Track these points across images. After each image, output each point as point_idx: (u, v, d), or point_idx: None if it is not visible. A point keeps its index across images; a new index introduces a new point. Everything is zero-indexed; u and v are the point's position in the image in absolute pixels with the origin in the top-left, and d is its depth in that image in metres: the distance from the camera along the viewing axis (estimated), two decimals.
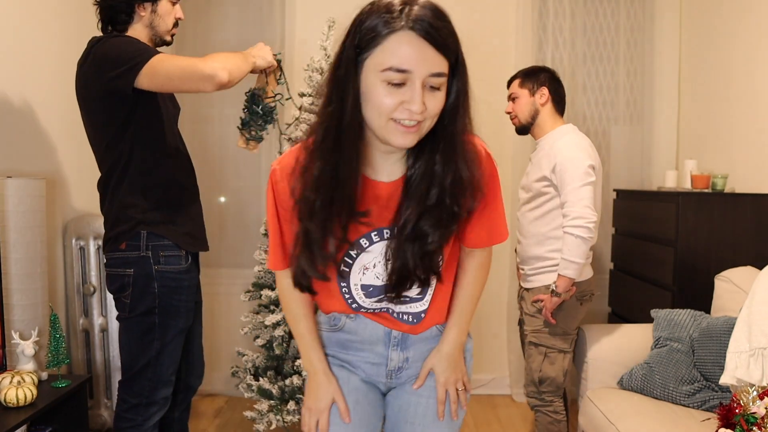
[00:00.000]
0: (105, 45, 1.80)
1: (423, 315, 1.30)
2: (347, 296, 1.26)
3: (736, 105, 2.97)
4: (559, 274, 2.34)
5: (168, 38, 1.99)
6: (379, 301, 1.25)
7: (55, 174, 2.55)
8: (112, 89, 1.78)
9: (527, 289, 2.55)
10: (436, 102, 1.03)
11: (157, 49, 1.96)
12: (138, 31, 1.93)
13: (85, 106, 1.90)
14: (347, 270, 1.21)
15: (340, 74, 1.04)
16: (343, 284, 1.23)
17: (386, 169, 1.16)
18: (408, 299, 1.26)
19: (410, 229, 1.12)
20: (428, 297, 1.28)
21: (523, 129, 2.57)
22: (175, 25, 2.00)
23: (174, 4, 1.98)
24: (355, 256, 1.20)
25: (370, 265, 1.20)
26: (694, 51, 3.39)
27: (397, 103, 1.00)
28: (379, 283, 1.22)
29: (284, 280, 1.27)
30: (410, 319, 1.29)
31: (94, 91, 1.83)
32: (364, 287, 1.23)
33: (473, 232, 1.24)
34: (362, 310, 1.27)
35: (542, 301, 2.43)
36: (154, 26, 1.94)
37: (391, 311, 1.27)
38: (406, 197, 1.13)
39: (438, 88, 1.02)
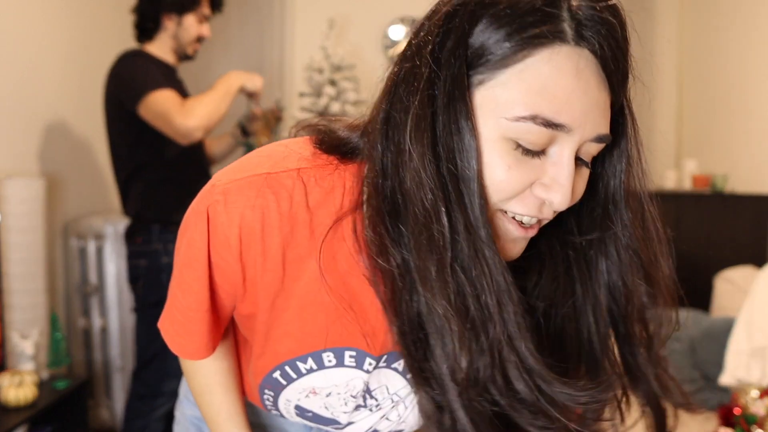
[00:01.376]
0: (122, 63, 1.96)
1: None
2: (267, 401, 0.78)
3: (736, 105, 2.96)
4: None
5: (190, 51, 2.09)
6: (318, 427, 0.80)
7: (55, 174, 2.55)
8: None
9: None
10: (582, 185, 0.58)
11: (180, 62, 2.12)
12: (163, 40, 2.04)
13: (106, 113, 2.05)
14: (283, 382, 0.73)
15: (419, 112, 0.54)
16: (267, 390, 0.75)
17: None
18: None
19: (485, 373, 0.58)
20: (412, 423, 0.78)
21: None
22: (199, 41, 2.10)
23: (201, 22, 2.08)
24: (305, 371, 0.71)
25: (323, 392, 0.73)
26: (694, 51, 3.39)
27: (527, 183, 0.54)
28: (328, 415, 0.75)
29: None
30: None
31: (111, 99, 1.99)
32: (299, 408, 0.76)
33: None
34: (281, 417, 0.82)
35: None
36: (178, 38, 2.04)
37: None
38: None
39: (587, 162, 0.58)
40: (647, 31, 3.56)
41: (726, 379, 2.06)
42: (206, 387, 0.77)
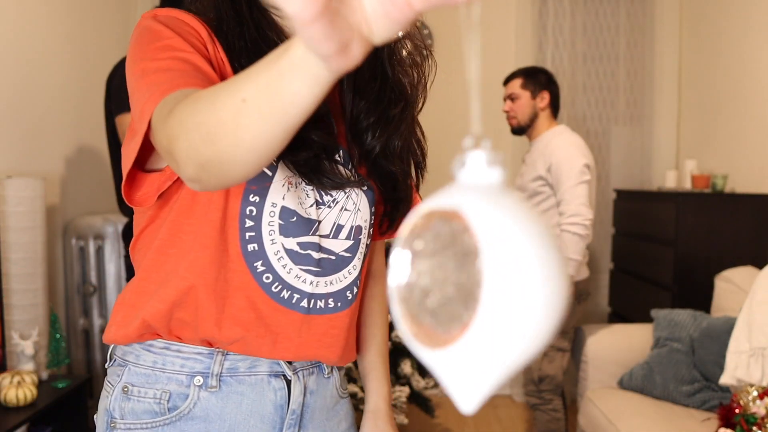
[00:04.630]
0: (121, 70, 2.05)
1: (351, 296, 0.83)
2: (248, 221, 0.75)
3: (736, 105, 2.97)
4: None
5: None
6: (304, 253, 0.78)
7: (55, 174, 2.55)
8: None
9: None
10: None
11: None
12: None
13: (105, 112, 2.13)
14: (269, 174, 0.75)
15: None
16: (252, 194, 0.74)
17: None
18: (334, 257, 0.80)
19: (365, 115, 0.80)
20: (358, 261, 0.83)
21: (520, 130, 2.60)
22: None
23: None
24: (275, 162, 0.74)
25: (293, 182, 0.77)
26: (694, 51, 3.39)
27: None
28: (300, 210, 0.77)
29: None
30: (335, 305, 0.81)
31: (107, 101, 2.09)
32: (285, 213, 0.76)
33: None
34: (278, 287, 0.77)
35: None
36: None
37: (304, 297, 0.78)
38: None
39: None
40: (647, 31, 3.56)
41: (726, 379, 2.05)
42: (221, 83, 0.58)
